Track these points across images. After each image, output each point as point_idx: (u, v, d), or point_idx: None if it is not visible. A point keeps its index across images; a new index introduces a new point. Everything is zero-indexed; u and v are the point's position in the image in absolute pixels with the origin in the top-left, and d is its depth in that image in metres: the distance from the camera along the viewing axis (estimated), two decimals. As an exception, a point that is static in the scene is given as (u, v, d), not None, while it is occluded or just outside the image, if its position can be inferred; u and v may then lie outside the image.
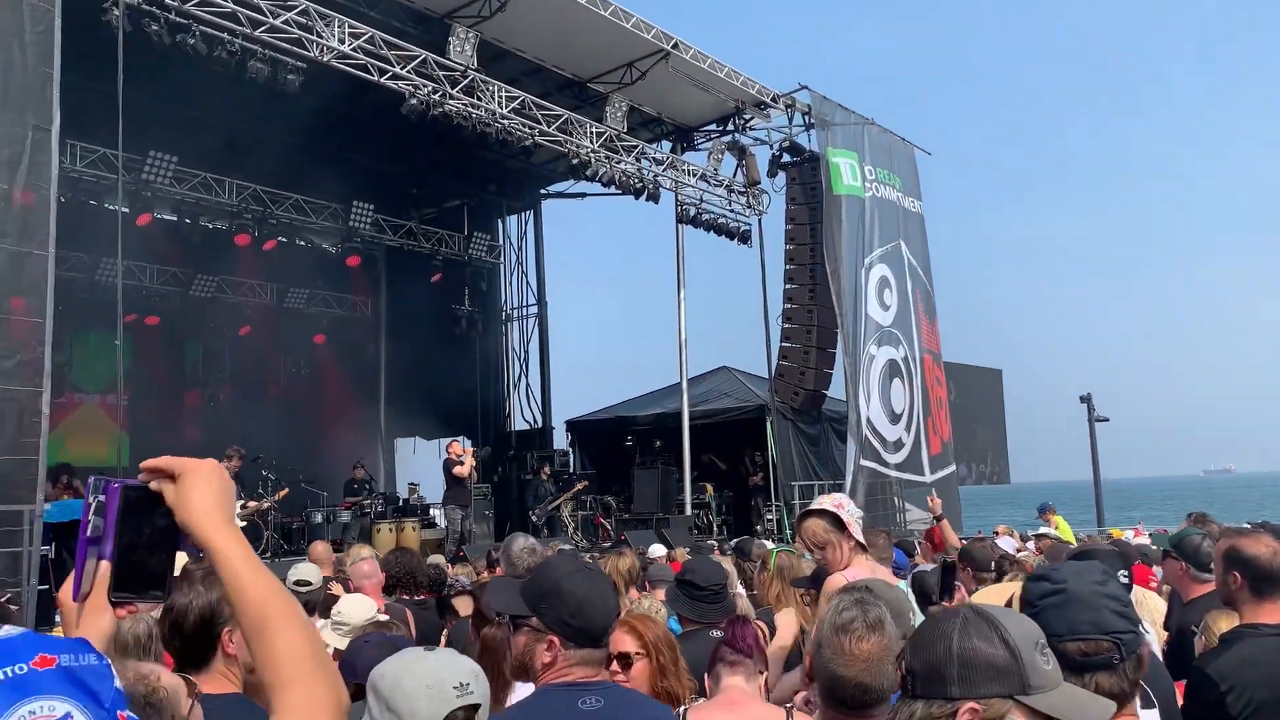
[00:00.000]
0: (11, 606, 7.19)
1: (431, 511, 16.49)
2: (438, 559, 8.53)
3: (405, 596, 5.78)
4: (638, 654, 3.17)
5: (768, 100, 17.57)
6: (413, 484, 17.79)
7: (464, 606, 5.80)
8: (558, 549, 8.06)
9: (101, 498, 1.39)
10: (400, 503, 17.07)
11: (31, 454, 8.39)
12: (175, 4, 10.44)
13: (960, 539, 8.23)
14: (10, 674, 0.96)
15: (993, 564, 5.96)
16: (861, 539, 3.69)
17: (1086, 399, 25.19)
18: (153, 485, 1.39)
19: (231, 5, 10.95)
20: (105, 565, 1.38)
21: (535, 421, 21.81)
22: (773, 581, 4.54)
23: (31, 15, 8.59)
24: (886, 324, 18.34)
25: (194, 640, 2.57)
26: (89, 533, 1.41)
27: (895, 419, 18.05)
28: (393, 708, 1.89)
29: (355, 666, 2.67)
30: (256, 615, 1.31)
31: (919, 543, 9.12)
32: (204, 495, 1.36)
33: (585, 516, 17.61)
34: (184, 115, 15.40)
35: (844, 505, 3.72)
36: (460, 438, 18.14)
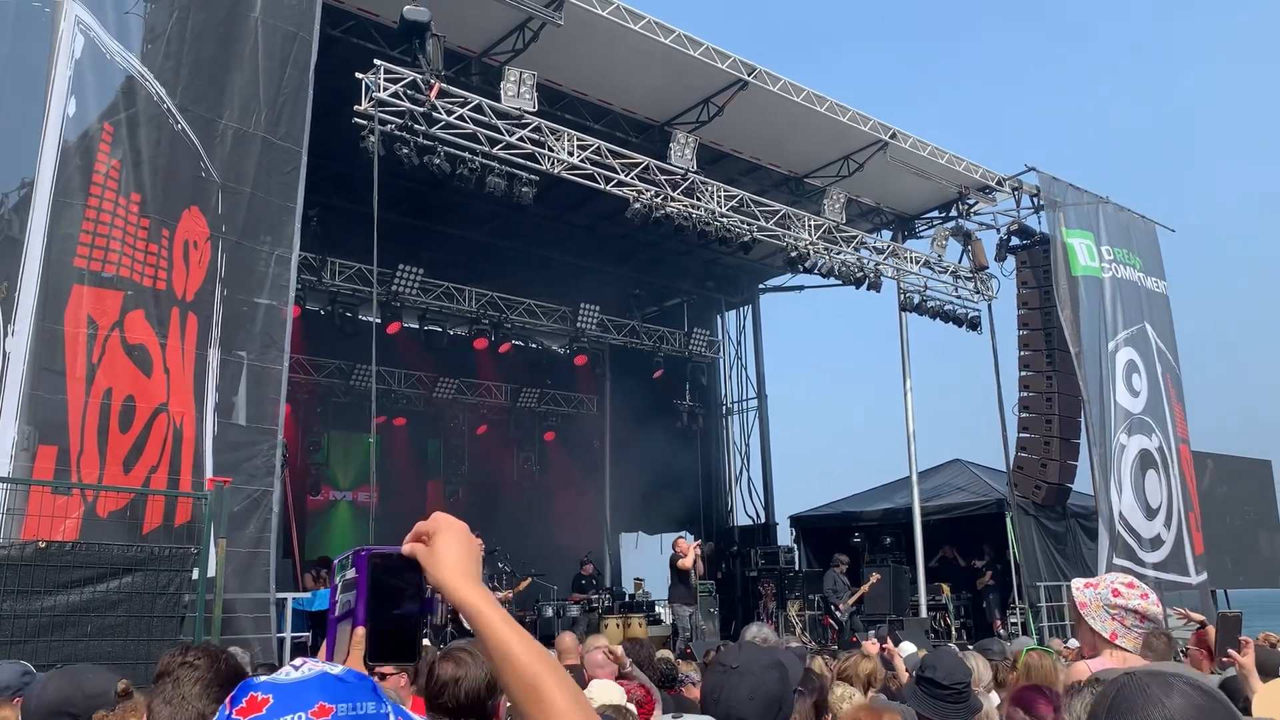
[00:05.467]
0: None
1: (657, 608, 16.48)
2: (665, 654, 8.47)
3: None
4: None
5: (992, 184, 17.08)
6: (638, 579, 17.89)
7: (694, 695, 5.74)
8: (786, 645, 7.85)
9: (350, 574, 1.40)
10: (626, 598, 17.17)
11: (265, 547, 8.96)
12: (423, 128, 11.42)
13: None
14: None
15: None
16: (1099, 628, 3.32)
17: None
18: (405, 549, 1.39)
19: (472, 126, 11.84)
20: (360, 630, 1.37)
21: (758, 516, 21.50)
22: (1020, 683, 4.23)
23: (284, 157, 9.60)
24: (1137, 411, 17.07)
25: (463, 713, 2.61)
26: (336, 612, 1.42)
27: (1151, 514, 16.59)
28: None
29: None
30: (529, 679, 1.29)
31: (1188, 648, 8.27)
32: (455, 555, 1.37)
33: (813, 616, 17.02)
34: (428, 230, 16.76)
35: (1096, 585, 3.38)
36: (684, 533, 18.13)
